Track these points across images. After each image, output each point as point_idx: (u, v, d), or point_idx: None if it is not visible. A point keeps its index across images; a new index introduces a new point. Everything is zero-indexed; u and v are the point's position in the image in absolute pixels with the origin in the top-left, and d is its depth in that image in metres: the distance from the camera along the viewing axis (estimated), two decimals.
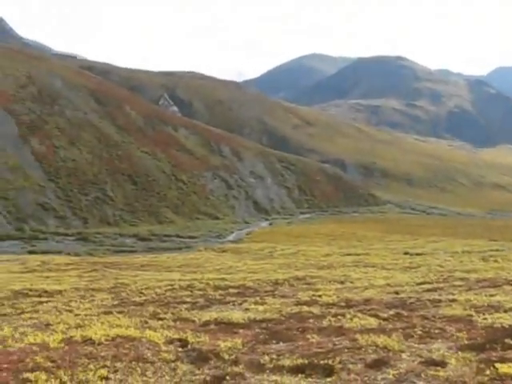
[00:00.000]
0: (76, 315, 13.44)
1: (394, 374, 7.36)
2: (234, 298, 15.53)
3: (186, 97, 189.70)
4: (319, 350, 8.52)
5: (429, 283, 18.07)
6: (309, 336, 9.53)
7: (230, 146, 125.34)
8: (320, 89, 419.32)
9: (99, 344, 9.12)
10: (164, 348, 8.93)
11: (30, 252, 56.87)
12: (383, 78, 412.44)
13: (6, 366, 7.81)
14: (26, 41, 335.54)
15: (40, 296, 18.56)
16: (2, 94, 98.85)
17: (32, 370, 7.57)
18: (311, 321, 11.07)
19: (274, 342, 9.25)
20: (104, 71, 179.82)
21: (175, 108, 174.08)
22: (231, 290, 17.90)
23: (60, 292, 19.38)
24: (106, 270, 32.95)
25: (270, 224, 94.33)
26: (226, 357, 8.37)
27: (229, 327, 10.71)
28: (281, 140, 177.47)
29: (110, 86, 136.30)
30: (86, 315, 13.21)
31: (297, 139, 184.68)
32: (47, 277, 28.74)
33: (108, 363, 8.04)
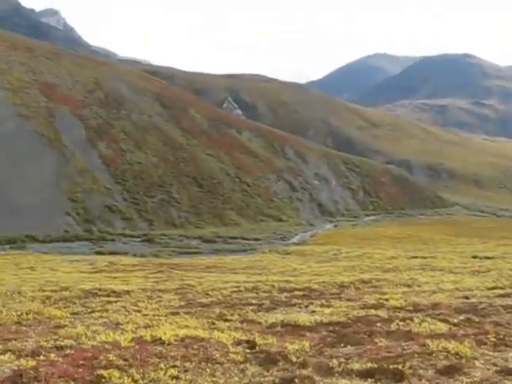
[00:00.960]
0: (144, 315, 13.68)
1: (467, 383, 7.14)
2: (299, 301, 15.47)
3: (249, 99, 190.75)
4: (388, 355, 8.38)
5: (501, 288, 17.46)
6: (377, 340, 9.39)
7: (294, 147, 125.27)
8: (385, 89, 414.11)
9: (169, 344, 9.27)
10: (232, 349, 8.98)
11: (98, 253, 58.40)
12: (450, 77, 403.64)
13: (81, 362, 8.08)
14: (94, 48, 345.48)
15: (109, 296, 18.94)
16: (71, 99, 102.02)
17: (105, 368, 7.77)
18: (379, 324, 10.91)
19: (342, 345, 9.17)
20: (169, 75, 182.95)
21: (239, 111, 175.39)
22: (296, 293, 17.83)
23: (128, 292, 19.71)
24: (171, 271, 33.37)
25: (335, 226, 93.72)
26: (294, 359, 8.34)
27: (296, 329, 10.68)
28: (345, 141, 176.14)
29: (174, 90, 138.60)
30: (154, 315, 13.44)
31: (362, 140, 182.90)
32: (115, 277, 29.35)
33: (178, 363, 8.15)
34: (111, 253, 57.44)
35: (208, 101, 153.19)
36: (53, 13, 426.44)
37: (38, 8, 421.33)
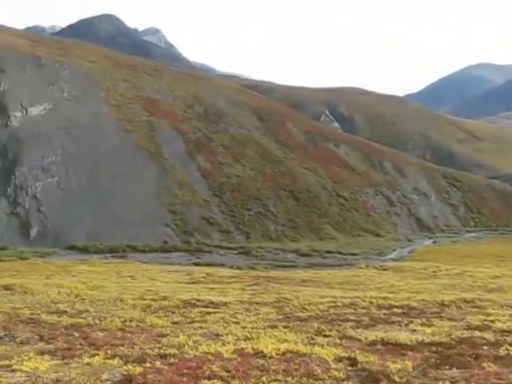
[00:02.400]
0: (243, 327, 13.85)
1: None
2: (399, 318, 15.17)
3: (346, 112, 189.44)
4: (498, 382, 8.02)
5: None
6: (484, 364, 9.02)
7: (392, 161, 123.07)
8: (488, 100, 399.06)
9: (270, 357, 9.34)
10: (333, 365, 8.94)
11: (196, 264, 59.60)
12: None
13: (186, 371, 8.32)
14: (193, 64, 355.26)
15: (207, 307, 19.30)
16: (171, 114, 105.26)
17: (209, 378, 7.95)
18: (485, 348, 10.48)
19: (447, 367, 8.88)
20: (267, 89, 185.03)
21: (336, 124, 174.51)
22: (395, 310, 17.48)
23: (225, 304, 20.00)
24: (267, 284, 33.53)
25: (434, 242, 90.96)
26: (397, 379, 8.18)
27: (396, 348, 10.48)
28: (445, 155, 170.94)
29: (271, 104, 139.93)
30: (252, 328, 13.58)
31: (463, 154, 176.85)
32: (212, 288, 29.86)
33: (279, 377, 8.20)
34: (208, 264, 58.50)
35: (305, 114, 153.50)
36: (154, 31, 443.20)
37: (140, 27, 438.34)
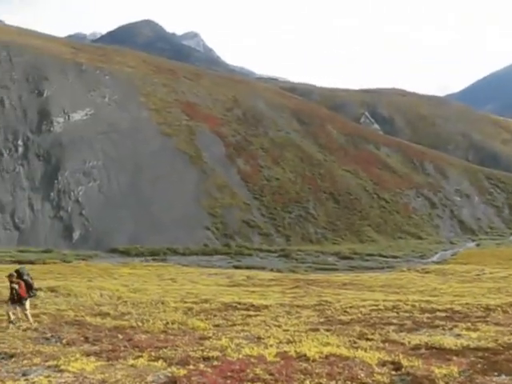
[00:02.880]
0: (285, 330, 13.82)
1: None
2: (442, 322, 14.92)
3: (387, 114, 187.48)
4: None
5: None
6: None
7: (433, 162, 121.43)
8: None
9: (313, 361, 9.29)
10: (377, 370, 8.83)
11: (236, 267, 59.87)
12: None
13: (229, 374, 8.32)
14: (232, 67, 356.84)
15: (248, 309, 19.31)
16: (211, 117, 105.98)
17: (252, 381, 7.94)
18: None
19: (495, 373, 8.67)
20: (306, 91, 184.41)
21: (376, 125, 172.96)
22: (439, 314, 17.21)
23: (266, 307, 19.98)
24: (308, 287, 33.46)
25: (477, 245, 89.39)
26: None
27: (441, 353, 10.30)
28: (489, 156, 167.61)
29: (311, 106, 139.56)
30: (294, 331, 13.54)
31: (508, 155, 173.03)
32: (252, 291, 29.90)
33: (323, 381, 8.14)
34: (248, 267, 58.69)
35: (345, 116, 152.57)
36: (193, 35, 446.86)
37: (179, 32, 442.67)
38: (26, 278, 14.39)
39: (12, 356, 9.90)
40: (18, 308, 14.30)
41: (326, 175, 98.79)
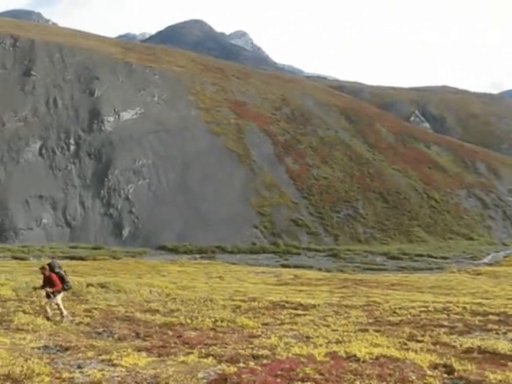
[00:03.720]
0: (333, 330, 13.75)
1: None
2: (495, 326, 14.57)
3: (437, 112, 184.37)
4: None
5: None
6: None
7: (486, 162, 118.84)
8: None
9: (363, 362, 9.20)
10: (429, 372, 8.68)
11: (283, 265, 59.84)
12: None
13: (279, 372, 8.33)
14: (280, 66, 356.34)
15: (296, 309, 19.25)
16: (259, 116, 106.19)
17: (302, 380, 7.92)
18: None
19: None
20: (355, 90, 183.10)
21: (426, 124, 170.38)
22: (491, 317, 16.79)
23: (314, 306, 19.88)
24: (356, 287, 33.19)
25: None
26: None
27: (495, 358, 10.06)
28: None
29: (360, 104, 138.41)
30: (343, 331, 13.45)
31: None
32: (300, 290, 29.80)
33: (373, 382, 8.06)
34: (296, 266, 58.60)
35: (395, 115, 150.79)
36: (241, 34, 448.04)
37: (227, 31, 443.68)
38: (57, 270, 14.36)
39: (67, 349, 10.12)
40: (52, 301, 14.30)
41: (375, 174, 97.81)
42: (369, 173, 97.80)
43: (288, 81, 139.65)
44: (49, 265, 14.57)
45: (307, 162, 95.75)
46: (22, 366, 8.17)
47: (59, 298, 14.32)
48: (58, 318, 14.18)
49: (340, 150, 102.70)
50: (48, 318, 13.98)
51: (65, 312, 14.36)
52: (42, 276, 14.60)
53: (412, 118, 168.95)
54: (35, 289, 16.31)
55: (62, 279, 14.33)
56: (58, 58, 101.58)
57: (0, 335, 11.32)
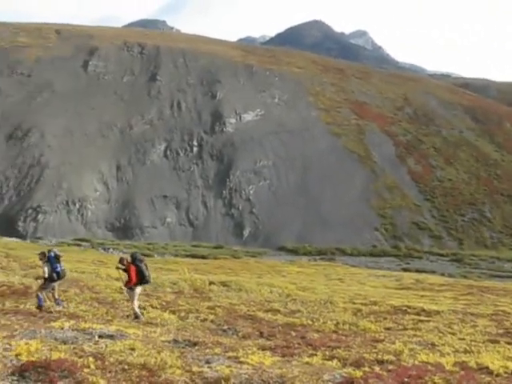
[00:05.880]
0: (460, 339, 13.28)
1: None
2: None
3: None
4: None
5: None
6: None
7: None
8: None
9: (497, 375, 8.71)
10: None
11: (404, 269, 58.35)
12: None
13: (406, 379, 8.10)
14: (401, 64, 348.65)
15: (418, 314, 18.79)
16: (380, 116, 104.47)
17: None
18: None
19: None
20: (481, 87, 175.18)
21: None
22: None
23: (438, 313, 19.30)
24: (482, 294, 31.75)
25: None
26: None
27: None
28: None
29: (486, 103, 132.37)
30: (471, 341, 12.95)
31: None
32: (422, 295, 28.97)
33: None
34: (418, 270, 57.02)
35: None
36: (361, 34, 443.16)
37: (347, 31, 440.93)
38: (137, 263, 13.99)
39: (195, 344, 10.46)
40: (130, 293, 14.07)
41: (503, 176, 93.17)
42: (496, 174, 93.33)
43: (409, 79, 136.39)
44: (131, 256, 14.46)
45: (430, 163, 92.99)
46: (156, 358, 8.54)
47: (138, 291, 14.08)
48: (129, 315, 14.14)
49: (465, 150, 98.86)
50: (137, 317, 13.81)
51: (136, 310, 14.00)
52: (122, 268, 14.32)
53: None
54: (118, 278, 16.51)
55: (142, 274, 13.95)
56: (182, 63, 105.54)
57: (134, 327, 11.89)
